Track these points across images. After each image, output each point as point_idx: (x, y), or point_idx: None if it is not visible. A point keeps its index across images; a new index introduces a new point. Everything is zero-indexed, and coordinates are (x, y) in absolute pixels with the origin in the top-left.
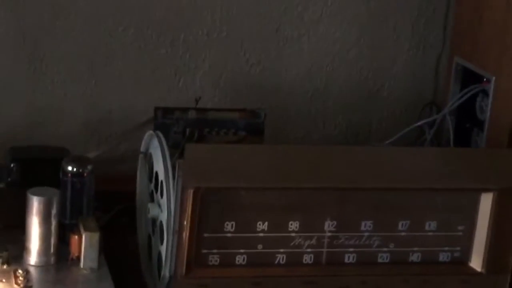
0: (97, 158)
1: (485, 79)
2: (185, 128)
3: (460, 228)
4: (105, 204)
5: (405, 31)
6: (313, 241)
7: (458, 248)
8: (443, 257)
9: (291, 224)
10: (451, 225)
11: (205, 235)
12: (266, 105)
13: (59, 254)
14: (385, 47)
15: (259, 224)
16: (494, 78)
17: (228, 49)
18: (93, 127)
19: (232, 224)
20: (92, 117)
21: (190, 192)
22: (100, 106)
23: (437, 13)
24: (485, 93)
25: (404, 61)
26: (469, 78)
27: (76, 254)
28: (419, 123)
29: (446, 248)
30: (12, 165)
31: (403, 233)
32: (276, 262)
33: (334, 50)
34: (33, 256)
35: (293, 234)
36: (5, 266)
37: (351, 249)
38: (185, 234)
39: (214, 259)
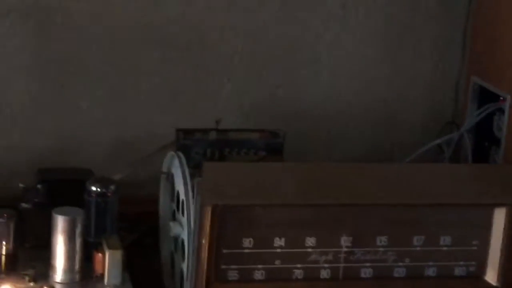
0: (122, 181)
1: (501, 98)
2: (206, 149)
3: (474, 242)
4: (130, 225)
5: (425, 51)
6: (330, 257)
7: (473, 263)
8: (458, 271)
9: (308, 240)
10: (465, 240)
11: (224, 251)
12: (288, 127)
13: (84, 272)
14: (404, 67)
15: (277, 240)
16: (509, 96)
17: (250, 73)
18: (118, 151)
19: (250, 241)
20: (117, 141)
21: (209, 210)
22: (124, 131)
23: (456, 33)
24: (502, 111)
25: (424, 81)
26: (486, 97)
27: (100, 272)
28: (436, 142)
29: (461, 263)
30: (38, 186)
31: (418, 248)
32: (294, 277)
33: (354, 71)
34: (59, 274)
35: (309, 250)
36: (31, 284)
37: (368, 264)
38: (204, 251)
39: (233, 275)
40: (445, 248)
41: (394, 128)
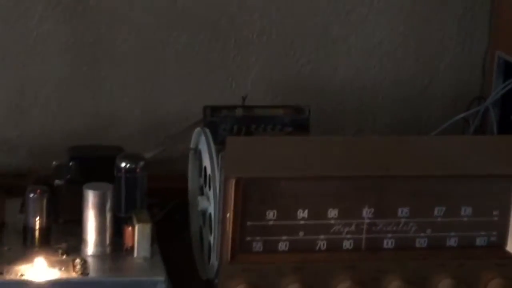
0: (153, 158)
1: None
2: (233, 126)
3: (495, 213)
4: (161, 201)
5: (451, 27)
6: (352, 228)
7: (494, 233)
8: (479, 241)
9: (331, 212)
10: (486, 210)
11: (248, 223)
12: (316, 104)
13: (115, 245)
14: (431, 44)
15: (300, 212)
16: None
17: (278, 51)
18: (148, 129)
19: (274, 213)
20: (149, 119)
21: (232, 183)
22: (156, 109)
23: (482, 8)
24: None
25: (450, 57)
26: (511, 71)
27: (130, 245)
28: (462, 115)
29: (483, 233)
30: (70, 164)
31: (439, 219)
32: (317, 248)
33: (382, 48)
34: (90, 247)
35: (332, 221)
36: (64, 257)
37: (389, 235)
38: (229, 223)
39: (257, 246)
40: (466, 219)
41: (423, 104)
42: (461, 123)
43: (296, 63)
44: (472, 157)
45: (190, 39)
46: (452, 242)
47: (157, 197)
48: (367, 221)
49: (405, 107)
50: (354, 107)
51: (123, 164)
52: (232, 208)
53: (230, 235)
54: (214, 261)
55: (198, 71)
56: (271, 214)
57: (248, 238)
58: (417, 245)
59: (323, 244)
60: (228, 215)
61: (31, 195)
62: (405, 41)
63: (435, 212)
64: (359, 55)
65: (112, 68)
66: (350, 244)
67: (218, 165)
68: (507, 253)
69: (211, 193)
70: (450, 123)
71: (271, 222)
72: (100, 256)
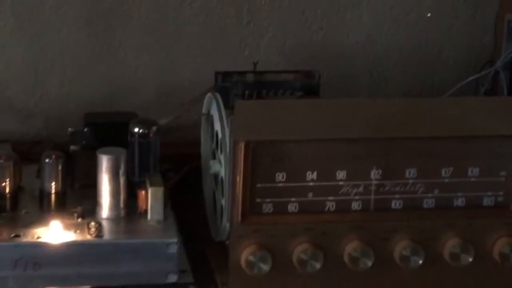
0: (168, 125)
1: None
2: (244, 91)
3: (502, 173)
4: (175, 167)
5: None
6: (361, 189)
7: (501, 193)
8: (486, 201)
9: (339, 173)
10: (493, 171)
11: (258, 185)
12: (330, 70)
13: (129, 209)
14: (443, 8)
15: (309, 174)
16: None
17: (290, 17)
18: (163, 96)
19: (283, 175)
20: (163, 86)
21: (242, 146)
22: (170, 76)
23: None
24: None
25: (462, 21)
26: None
27: (144, 208)
28: (471, 78)
29: (489, 193)
30: (85, 130)
31: (446, 180)
32: (326, 209)
33: (393, 14)
34: (105, 210)
35: (341, 183)
36: (79, 220)
37: (397, 196)
38: (239, 186)
39: (268, 208)
40: (473, 179)
41: (435, 68)
42: (472, 86)
43: (308, 29)
44: (479, 118)
45: (204, 6)
46: (459, 202)
47: (172, 163)
48: (375, 182)
49: (417, 72)
50: (366, 73)
51: (136, 129)
52: (242, 171)
53: (241, 197)
54: (225, 223)
55: (211, 38)
56: (280, 176)
57: (258, 200)
58: (425, 205)
59: (332, 205)
60: (238, 177)
61: (47, 160)
62: (416, 5)
63: (443, 173)
64: (371, 20)
65: (126, 36)
66: (359, 205)
67: (228, 129)
68: None
69: (222, 157)
70: (460, 86)
71: (280, 184)
72: (114, 219)
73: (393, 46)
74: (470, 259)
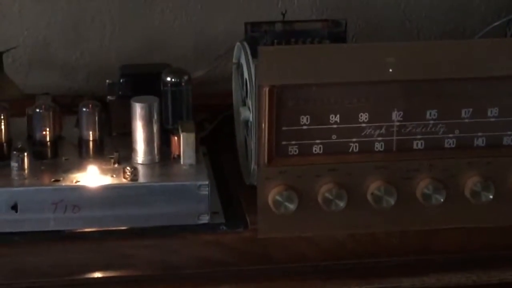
0: (204, 77)
1: None
2: (273, 40)
3: None
4: (211, 116)
5: None
6: (383, 131)
7: None
8: (506, 140)
9: (361, 116)
10: None
11: (283, 128)
12: (361, 20)
13: (163, 154)
14: None
15: (332, 117)
16: None
17: None
18: (200, 50)
19: (307, 118)
20: (199, 40)
21: (266, 91)
22: (206, 31)
23: None
24: None
25: None
26: None
27: (177, 153)
28: (496, 23)
29: (509, 132)
30: (121, 80)
31: (466, 120)
32: (350, 150)
33: None
34: (140, 156)
35: (363, 125)
36: (116, 165)
37: (419, 136)
38: (265, 129)
39: (293, 150)
40: (493, 119)
41: (467, 17)
42: (501, 31)
43: None
44: (498, 59)
45: None
46: (479, 142)
47: (208, 113)
48: (397, 123)
49: (448, 20)
50: (397, 22)
51: (168, 79)
52: (267, 115)
53: (267, 141)
54: (253, 165)
55: None
56: (304, 120)
57: (284, 143)
58: (446, 145)
59: (356, 147)
60: (263, 122)
61: (84, 109)
62: None
63: (462, 114)
64: None
65: None
66: (381, 146)
67: (256, 76)
68: None
69: (251, 103)
70: (487, 31)
71: (305, 127)
72: (149, 164)
73: None
74: (491, 197)
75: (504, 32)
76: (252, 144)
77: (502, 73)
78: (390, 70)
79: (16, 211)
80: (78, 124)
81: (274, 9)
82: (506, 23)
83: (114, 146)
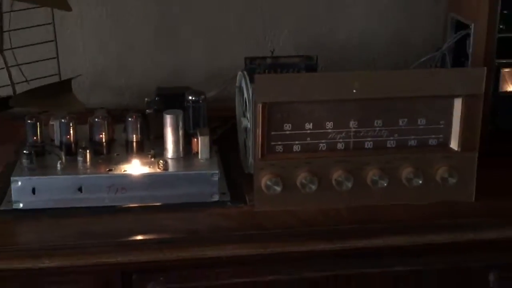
0: (215, 96)
1: (469, 27)
2: (265, 70)
3: (442, 122)
4: (221, 124)
5: (424, 1)
6: (343, 135)
7: (441, 136)
8: (431, 142)
9: (328, 124)
10: (435, 121)
11: (272, 133)
12: (329, 56)
13: (186, 151)
14: (411, 10)
15: (307, 125)
16: (473, 24)
17: (299, 21)
18: (212, 77)
19: (289, 125)
20: (212, 70)
21: (260, 106)
22: (217, 63)
23: None
24: (469, 35)
25: (424, 18)
26: (460, 26)
27: (196, 150)
28: (424, 58)
29: (433, 136)
30: (156, 98)
31: (403, 127)
32: (319, 149)
33: (374, 15)
34: (169, 152)
35: (329, 131)
36: (152, 159)
37: (369, 139)
38: (259, 133)
39: (279, 148)
40: (421, 127)
41: (403, 51)
42: (429, 64)
43: (312, 28)
44: (425, 83)
45: (242, 16)
46: (412, 142)
47: (219, 122)
48: (353, 130)
49: (393, 55)
50: (355, 57)
51: (189, 97)
52: (260, 123)
53: (260, 142)
54: (251, 159)
55: (246, 35)
56: (287, 127)
57: (273, 143)
58: (388, 145)
59: (324, 146)
60: (258, 128)
61: (129, 119)
62: (391, 10)
63: (400, 123)
64: (358, 20)
65: (186, 28)
66: (342, 146)
67: (252, 96)
68: (451, 149)
69: (249, 115)
70: (418, 64)
71: (287, 132)
72: (175, 158)
73: (375, 38)
74: (420, 182)
75: (431, 64)
76: (250, 144)
77: (427, 94)
78: (354, 91)
79: (81, 192)
80: (125, 130)
81: (265, 48)
82: (434, 58)
83: (151, 145)
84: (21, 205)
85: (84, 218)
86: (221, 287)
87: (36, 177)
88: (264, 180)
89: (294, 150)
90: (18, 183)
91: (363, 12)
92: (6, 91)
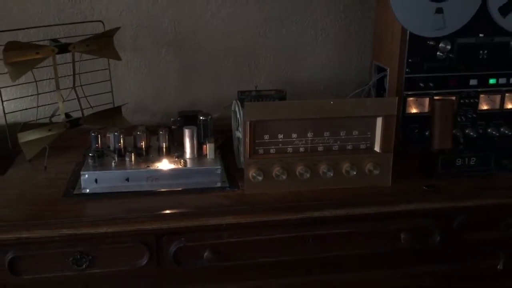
0: (220, 117)
1: (386, 70)
2: (251, 99)
3: (369, 133)
4: (223, 135)
5: (356, 53)
6: (303, 142)
7: (369, 142)
8: (362, 146)
9: (293, 134)
10: (365, 132)
11: (256, 141)
12: (291, 89)
13: (199, 154)
14: (347, 60)
15: (279, 135)
16: (388, 69)
17: (274, 68)
18: (216, 104)
19: (268, 136)
20: (215, 99)
21: (248, 123)
22: (219, 94)
23: (368, 41)
24: (386, 75)
25: (355, 65)
26: (380, 69)
27: (205, 153)
28: (355, 92)
29: (363, 142)
30: (178, 118)
31: (343, 137)
32: (287, 151)
33: (324, 62)
34: (187, 154)
35: (294, 139)
36: (176, 159)
37: (320, 145)
38: (247, 141)
39: (261, 151)
40: (355, 136)
41: (340, 88)
42: (357, 96)
43: (282, 72)
44: (355, 108)
45: (236, 63)
46: (349, 147)
47: (221, 133)
48: (309, 138)
49: (336, 90)
50: (308, 90)
51: (201, 117)
52: (248, 134)
53: (248, 147)
54: (242, 158)
55: (239, 76)
56: (266, 136)
57: (257, 148)
58: (333, 149)
59: (291, 149)
60: (246, 137)
61: (161, 132)
62: (332, 62)
63: (341, 134)
64: (310, 68)
65: (198, 76)
66: (303, 149)
67: (243, 116)
68: (375, 151)
69: (241, 129)
70: (351, 95)
71: (266, 140)
72: (192, 158)
73: (324, 79)
74: (355, 173)
75: (363, 95)
76: (241, 149)
77: (360, 115)
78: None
79: (128, 181)
80: (158, 139)
81: (251, 84)
82: (363, 91)
83: (175, 149)
84: (87, 190)
85: (130, 199)
86: (222, 245)
87: (98, 171)
88: (251, 172)
89: (271, 152)
90: (85, 175)
91: (314, 62)
92: (77, 114)
